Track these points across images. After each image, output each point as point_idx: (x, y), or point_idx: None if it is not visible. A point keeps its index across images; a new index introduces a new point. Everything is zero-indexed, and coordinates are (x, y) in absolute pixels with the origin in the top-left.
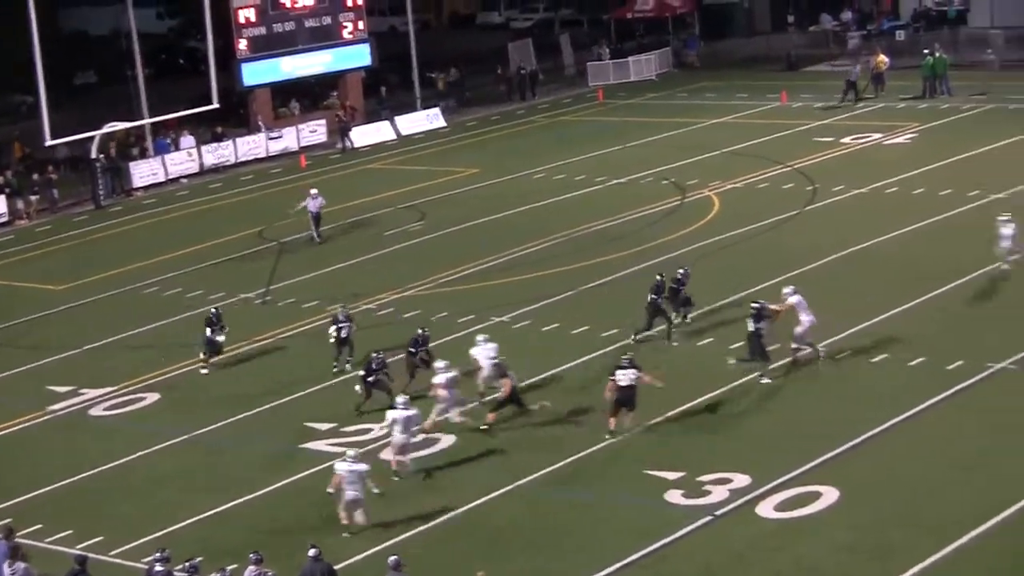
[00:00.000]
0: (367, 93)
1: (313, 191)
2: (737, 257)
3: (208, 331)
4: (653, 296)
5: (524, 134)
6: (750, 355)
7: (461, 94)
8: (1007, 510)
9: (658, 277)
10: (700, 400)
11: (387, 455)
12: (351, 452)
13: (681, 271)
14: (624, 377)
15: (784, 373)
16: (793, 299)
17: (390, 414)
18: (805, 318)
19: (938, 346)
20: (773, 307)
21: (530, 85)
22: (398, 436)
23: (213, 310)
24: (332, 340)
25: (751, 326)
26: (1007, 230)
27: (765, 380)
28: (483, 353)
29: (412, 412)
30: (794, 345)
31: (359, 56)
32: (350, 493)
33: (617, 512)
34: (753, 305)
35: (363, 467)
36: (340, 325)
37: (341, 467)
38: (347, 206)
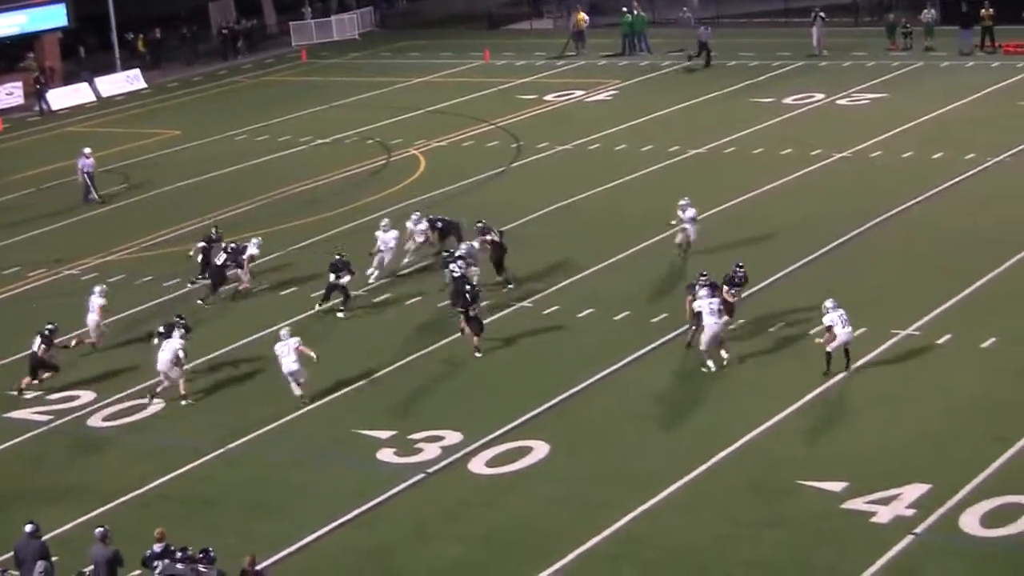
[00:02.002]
0: (65, 54)
1: (86, 150)
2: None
3: (332, 276)
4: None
5: (226, 95)
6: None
7: (179, 54)
8: (708, 461)
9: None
10: (409, 358)
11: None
12: (284, 331)
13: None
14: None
15: (493, 330)
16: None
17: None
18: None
19: (642, 300)
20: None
21: (232, 45)
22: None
23: (337, 256)
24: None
25: (457, 271)
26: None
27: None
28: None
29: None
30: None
31: (55, 16)
32: (287, 366)
33: (330, 472)
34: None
35: (294, 340)
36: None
37: (277, 346)
38: (47, 170)
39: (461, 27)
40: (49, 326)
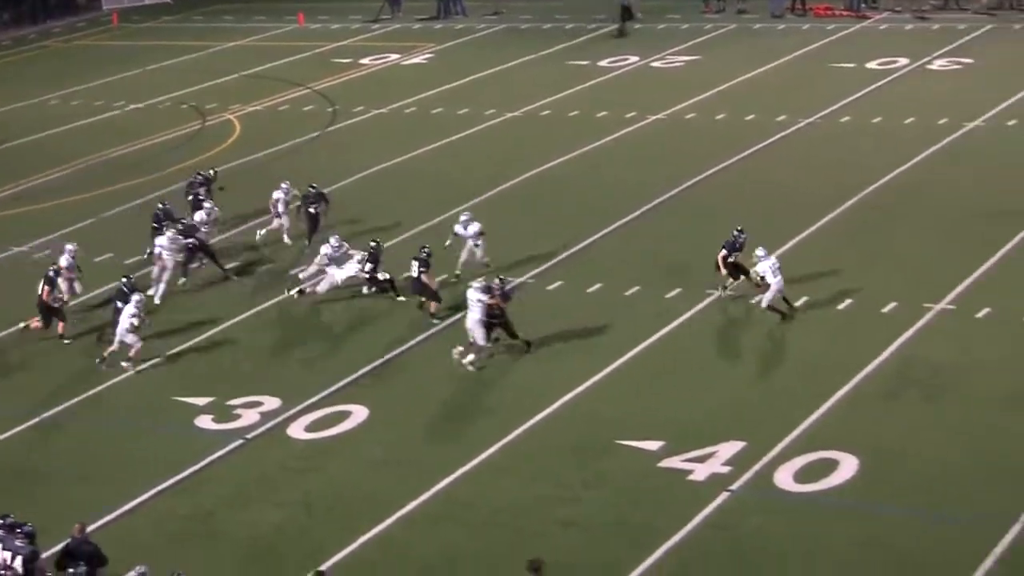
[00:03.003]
0: None
1: None
2: (261, 180)
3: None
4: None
5: (37, 60)
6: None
7: None
8: (528, 422)
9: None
10: (227, 324)
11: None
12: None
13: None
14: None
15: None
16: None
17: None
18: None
19: (460, 263)
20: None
21: (42, 9)
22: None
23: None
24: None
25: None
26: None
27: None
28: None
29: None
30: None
31: None
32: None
33: (147, 440)
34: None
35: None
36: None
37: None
38: None
39: None
40: (54, 267)
